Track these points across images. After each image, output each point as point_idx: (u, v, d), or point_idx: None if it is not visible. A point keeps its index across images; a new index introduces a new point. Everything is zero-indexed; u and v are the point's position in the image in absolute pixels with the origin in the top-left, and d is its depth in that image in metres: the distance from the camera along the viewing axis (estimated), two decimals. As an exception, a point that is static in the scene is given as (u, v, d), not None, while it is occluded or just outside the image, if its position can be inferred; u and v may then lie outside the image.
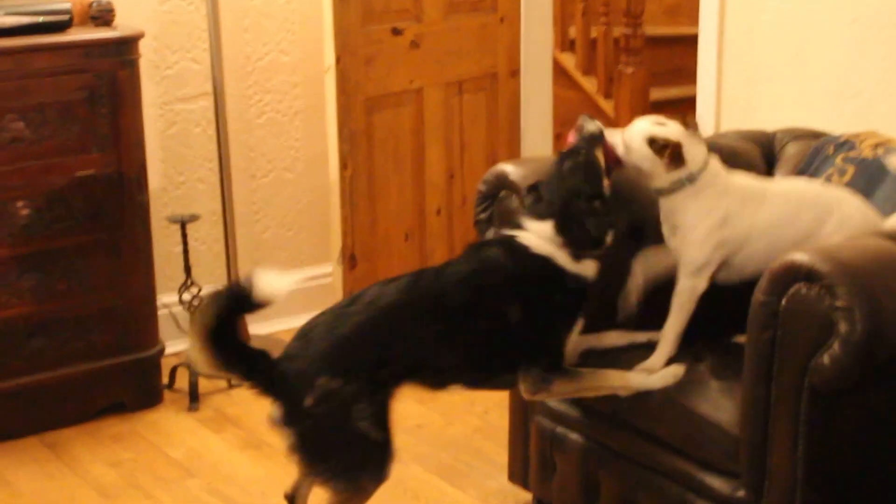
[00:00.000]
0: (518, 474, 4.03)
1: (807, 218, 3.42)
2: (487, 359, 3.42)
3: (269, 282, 3.15)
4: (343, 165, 5.11)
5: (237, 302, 3.18)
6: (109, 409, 4.73)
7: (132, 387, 4.76)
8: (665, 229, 3.53)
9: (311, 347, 3.26)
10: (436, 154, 5.47)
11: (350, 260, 5.28)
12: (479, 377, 3.48)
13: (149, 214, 4.72)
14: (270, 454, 4.39)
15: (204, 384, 4.93)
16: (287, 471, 3.99)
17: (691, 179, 3.43)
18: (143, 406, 4.78)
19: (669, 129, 3.44)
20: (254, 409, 4.58)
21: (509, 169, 3.81)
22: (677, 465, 3.39)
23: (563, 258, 3.39)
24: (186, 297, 4.92)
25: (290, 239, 5.61)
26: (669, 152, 3.40)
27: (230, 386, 4.93)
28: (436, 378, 3.41)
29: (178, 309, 5.05)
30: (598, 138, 3.44)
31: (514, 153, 5.69)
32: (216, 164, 5.19)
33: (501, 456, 4.24)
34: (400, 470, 4.22)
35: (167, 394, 4.90)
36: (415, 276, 3.41)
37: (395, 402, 3.33)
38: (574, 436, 3.71)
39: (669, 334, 3.48)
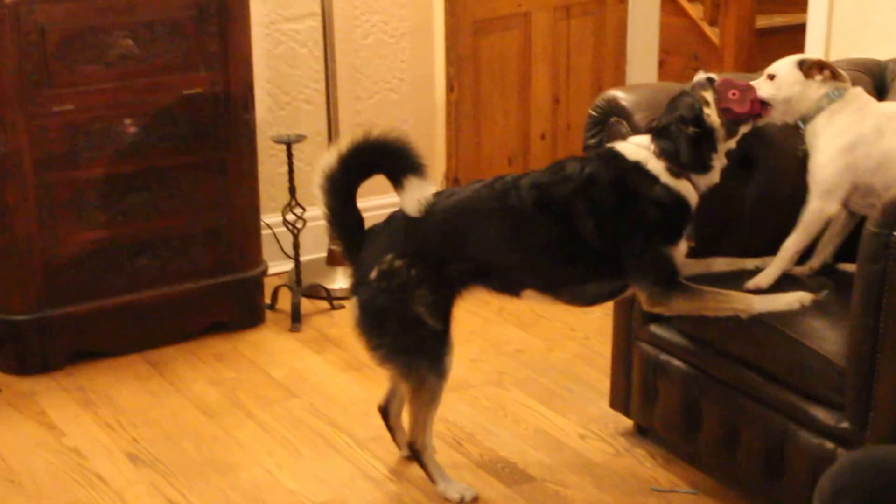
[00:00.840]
0: (619, 401, 4.01)
1: None
2: (557, 265, 3.44)
3: (418, 185, 3.40)
4: (449, 88, 5.07)
5: (383, 158, 3.43)
6: (212, 328, 4.76)
7: (235, 307, 4.77)
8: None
9: (390, 228, 3.45)
10: (541, 78, 5.42)
11: (453, 183, 5.25)
12: (548, 284, 3.50)
13: (255, 134, 4.71)
14: (372, 376, 4.37)
15: (306, 305, 4.94)
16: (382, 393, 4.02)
17: (838, 94, 3.42)
18: (245, 326, 4.80)
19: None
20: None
21: (620, 94, 3.75)
22: (780, 395, 3.38)
23: (657, 168, 3.39)
24: (290, 217, 4.91)
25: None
26: (826, 70, 3.41)
27: (332, 307, 4.94)
28: (504, 281, 3.50)
29: (282, 230, 5.04)
30: (703, 84, 3.45)
31: (619, 79, 5.62)
32: (322, 85, 5.17)
33: (602, 382, 4.22)
34: (500, 394, 4.29)
35: (269, 314, 4.91)
36: (495, 179, 3.51)
37: (461, 302, 3.51)
38: (677, 363, 3.71)
39: (787, 252, 3.45)
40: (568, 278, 3.48)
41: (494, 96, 5.22)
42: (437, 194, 3.47)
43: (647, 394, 3.84)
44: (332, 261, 5.17)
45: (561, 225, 3.40)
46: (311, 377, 4.45)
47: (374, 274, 3.41)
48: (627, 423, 4.05)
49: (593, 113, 3.77)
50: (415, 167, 3.41)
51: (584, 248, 3.41)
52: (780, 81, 3.46)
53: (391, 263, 3.39)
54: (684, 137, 3.37)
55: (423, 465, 3.69)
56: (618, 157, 3.44)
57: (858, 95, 3.46)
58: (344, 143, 3.45)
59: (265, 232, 4.93)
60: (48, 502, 3.73)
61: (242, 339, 4.73)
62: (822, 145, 3.42)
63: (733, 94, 3.42)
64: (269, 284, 4.96)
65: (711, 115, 3.40)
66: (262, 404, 4.27)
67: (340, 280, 5.06)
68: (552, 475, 3.82)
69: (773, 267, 3.44)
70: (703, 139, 3.39)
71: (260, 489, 3.78)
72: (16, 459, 3.94)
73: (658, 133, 3.43)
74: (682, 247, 3.44)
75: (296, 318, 4.82)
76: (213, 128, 4.58)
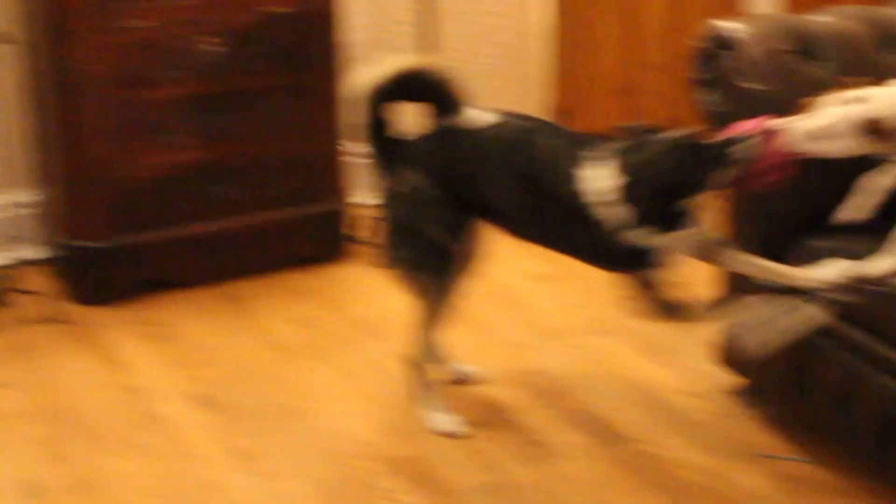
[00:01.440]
0: (728, 357, 3.69)
1: None
2: (543, 222, 3.31)
3: (474, 112, 3.37)
4: (560, 13, 4.77)
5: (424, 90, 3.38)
6: (293, 262, 4.53)
7: (316, 239, 4.55)
8: None
9: (423, 146, 3.42)
10: (655, 6, 5.08)
11: (561, 114, 4.97)
12: (540, 238, 3.40)
13: (341, 57, 4.45)
14: (459, 321, 4.12)
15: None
16: (478, 337, 3.75)
17: None
18: (328, 260, 4.58)
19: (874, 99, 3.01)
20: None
21: (732, 26, 3.46)
22: None
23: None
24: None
25: (491, 87, 5.27)
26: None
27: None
28: (507, 224, 3.42)
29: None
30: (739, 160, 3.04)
31: (736, 9, 5.27)
32: (417, 6, 4.87)
33: (711, 336, 3.89)
34: (599, 343, 3.99)
35: (356, 249, 4.66)
36: (515, 117, 3.43)
37: (476, 228, 3.47)
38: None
39: None
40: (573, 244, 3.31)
41: (606, 23, 4.92)
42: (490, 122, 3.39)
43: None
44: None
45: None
46: (393, 317, 4.16)
47: (399, 187, 3.44)
48: (733, 380, 3.73)
49: (701, 45, 3.49)
50: (452, 106, 3.38)
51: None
52: (835, 143, 3.04)
53: (413, 179, 3.41)
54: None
55: (411, 383, 3.61)
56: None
57: None
58: (391, 66, 3.38)
59: (350, 161, 4.65)
60: (106, 445, 3.51)
61: (326, 275, 4.50)
62: None
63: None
64: (358, 216, 4.70)
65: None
66: (340, 346, 4.03)
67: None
68: (648, 434, 3.53)
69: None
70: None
71: (334, 439, 3.54)
72: (75, 397, 3.74)
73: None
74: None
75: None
76: (298, 50, 4.35)
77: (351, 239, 4.67)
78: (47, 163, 4.37)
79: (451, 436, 3.53)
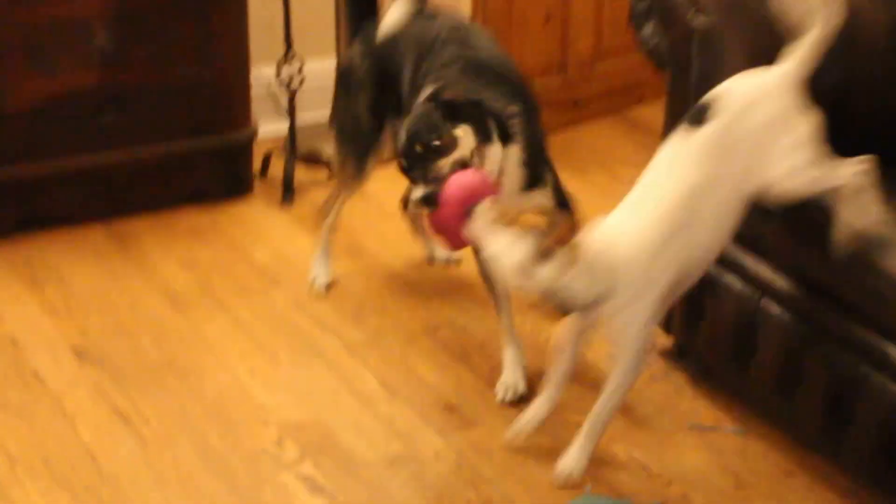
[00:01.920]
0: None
1: None
2: None
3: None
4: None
5: None
6: (190, 199, 4.15)
7: (217, 174, 4.17)
8: None
9: (372, 32, 3.56)
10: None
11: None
12: None
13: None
14: (372, 265, 3.80)
15: (301, 176, 4.32)
16: (389, 286, 3.44)
17: None
18: (228, 197, 4.20)
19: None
20: (356, 209, 3.96)
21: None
22: (853, 329, 2.85)
23: None
24: (286, 72, 4.26)
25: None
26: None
27: (331, 178, 4.30)
28: None
29: (277, 88, 4.39)
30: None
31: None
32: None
33: None
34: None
35: (258, 185, 4.30)
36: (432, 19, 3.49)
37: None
38: (729, 278, 3.14)
39: None
40: None
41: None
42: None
43: (691, 310, 3.28)
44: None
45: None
46: (300, 263, 3.84)
47: (348, 62, 3.66)
48: (666, 341, 3.44)
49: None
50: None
51: None
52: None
53: (355, 54, 3.60)
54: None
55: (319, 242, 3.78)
56: None
57: None
58: None
59: (257, 89, 4.28)
60: (-29, 403, 3.17)
61: (224, 213, 4.13)
62: None
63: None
64: (259, 149, 4.34)
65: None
66: (239, 294, 3.69)
67: (341, 147, 4.45)
68: (571, 401, 3.16)
69: None
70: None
71: (224, 400, 3.23)
72: (-63, 348, 3.39)
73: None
74: None
75: (288, 190, 4.20)
76: (195, -38, 3.96)
77: (257, 174, 4.31)
78: None
79: (318, 288, 3.70)
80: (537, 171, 3.19)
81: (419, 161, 3.00)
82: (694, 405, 3.25)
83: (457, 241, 2.92)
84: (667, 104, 3.28)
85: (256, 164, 4.31)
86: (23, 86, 3.81)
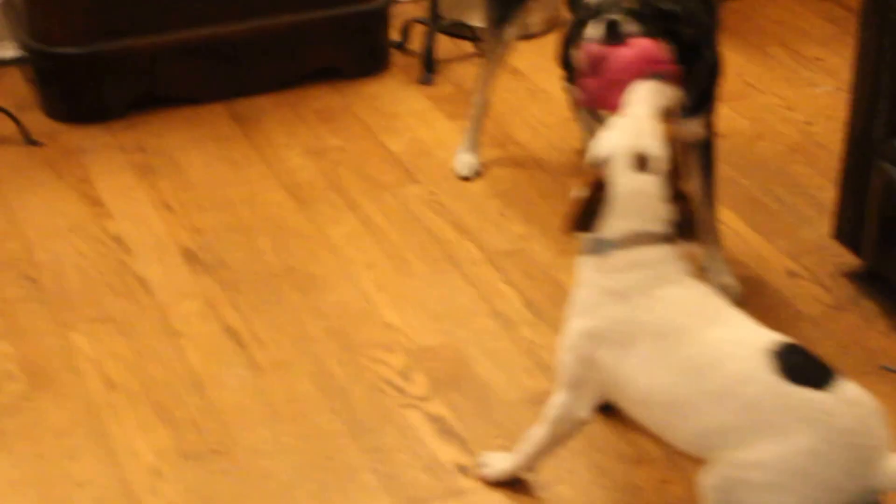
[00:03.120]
0: (846, 231, 3.06)
1: None
2: None
3: None
4: None
5: None
6: (319, 75, 3.80)
7: (350, 48, 3.82)
8: None
9: None
10: None
11: None
12: None
13: None
14: (518, 157, 3.42)
15: (444, 48, 3.93)
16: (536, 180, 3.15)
17: None
18: (362, 74, 3.86)
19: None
20: (505, 86, 3.56)
21: None
22: None
23: None
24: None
25: None
26: None
27: (479, 52, 3.88)
28: None
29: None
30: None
31: None
32: None
33: (826, 191, 3.25)
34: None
35: (396, 58, 3.93)
36: None
37: None
38: None
39: None
40: None
41: None
42: None
43: (886, 230, 2.90)
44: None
45: None
46: (440, 154, 3.49)
47: None
48: (855, 262, 3.03)
49: None
50: None
51: None
52: None
53: None
54: None
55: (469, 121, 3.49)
56: None
57: None
58: None
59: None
60: (70, 314, 2.87)
61: (357, 92, 3.78)
62: None
63: None
64: (398, 17, 3.95)
65: None
66: (369, 190, 3.35)
67: (491, 16, 4.03)
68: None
69: None
70: None
71: (347, 319, 2.89)
72: (41, 247, 3.12)
73: None
74: None
75: (428, 65, 3.84)
76: None
77: (396, 44, 3.93)
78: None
79: (463, 178, 3.40)
80: (707, 94, 2.78)
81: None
82: (886, 343, 2.86)
83: (607, 102, 2.48)
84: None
85: (394, 35, 3.92)
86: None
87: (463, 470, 2.48)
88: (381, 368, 2.74)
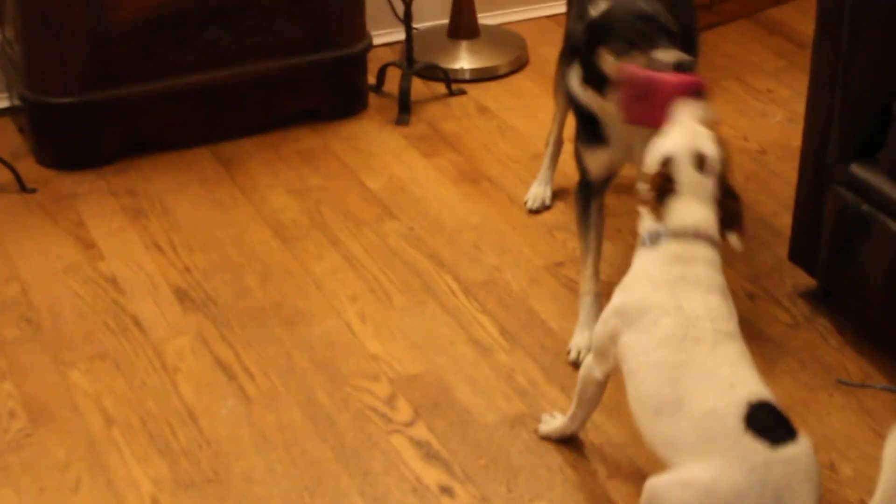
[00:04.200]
0: (802, 253, 3.18)
1: None
2: None
3: None
4: None
5: None
6: (299, 118, 3.92)
7: (329, 90, 3.92)
8: None
9: None
10: None
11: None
12: None
13: None
14: (491, 192, 3.55)
15: (418, 90, 4.07)
16: (507, 213, 3.28)
17: None
18: (341, 115, 3.96)
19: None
20: (475, 125, 3.71)
21: None
22: None
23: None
24: (404, -22, 3.99)
25: None
26: None
27: (450, 93, 4.05)
28: None
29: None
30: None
31: None
32: None
33: (781, 218, 3.39)
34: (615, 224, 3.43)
35: (372, 101, 4.05)
36: None
37: None
38: (884, 219, 2.87)
39: None
40: None
41: None
42: None
43: (839, 252, 3.03)
44: (454, 32, 4.23)
45: None
46: (415, 189, 3.62)
47: None
48: (809, 282, 3.18)
49: None
50: None
51: None
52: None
53: None
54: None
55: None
56: None
57: None
58: None
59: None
60: (68, 353, 3.00)
61: (336, 133, 3.90)
62: None
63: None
64: (374, 61, 4.08)
65: None
66: (350, 227, 3.47)
67: (463, 58, 4.15)
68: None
69: None
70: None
71: (332, 350, 3.03)
72: (38, 290, 3.22)
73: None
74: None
75: (404, 106, 3.95)
76: None
77: (372, 87, 4.06)
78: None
79: (530, 210, 3.54)
80: None
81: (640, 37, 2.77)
82: (840, 357, 3.00)
83: (653, 121, 2.64)
84: (819, 5, 2.96)
85: (370, 78, 4.04)
86: (126, 2, 3.57)
87: (447, 491, 2.62)
88: (367, 397, 2.87)
